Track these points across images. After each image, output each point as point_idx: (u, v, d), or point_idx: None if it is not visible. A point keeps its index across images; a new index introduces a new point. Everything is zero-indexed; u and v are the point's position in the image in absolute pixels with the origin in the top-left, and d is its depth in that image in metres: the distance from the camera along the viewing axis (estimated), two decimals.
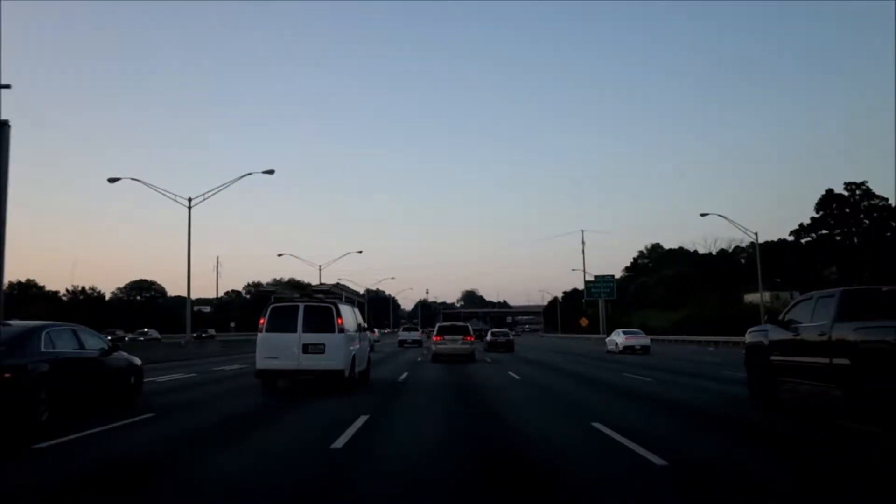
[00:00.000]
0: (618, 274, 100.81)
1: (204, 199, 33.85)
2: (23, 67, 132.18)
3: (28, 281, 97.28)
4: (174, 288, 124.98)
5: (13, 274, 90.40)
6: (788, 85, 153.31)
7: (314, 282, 61.57)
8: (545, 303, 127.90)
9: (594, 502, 4.98)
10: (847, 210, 73.61)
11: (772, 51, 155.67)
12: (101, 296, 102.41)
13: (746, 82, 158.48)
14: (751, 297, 66.88)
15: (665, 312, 79.60)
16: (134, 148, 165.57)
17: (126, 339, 50.79)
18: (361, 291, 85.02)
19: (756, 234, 45.46)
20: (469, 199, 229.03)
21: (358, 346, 14.21)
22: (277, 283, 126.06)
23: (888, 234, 69.78)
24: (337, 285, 63.73)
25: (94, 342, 9.67)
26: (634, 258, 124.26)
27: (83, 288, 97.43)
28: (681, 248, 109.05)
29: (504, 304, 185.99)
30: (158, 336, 60.96)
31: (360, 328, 15.12)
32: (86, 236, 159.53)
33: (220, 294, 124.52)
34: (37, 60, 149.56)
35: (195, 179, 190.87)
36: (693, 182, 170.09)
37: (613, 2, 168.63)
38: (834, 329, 9.05)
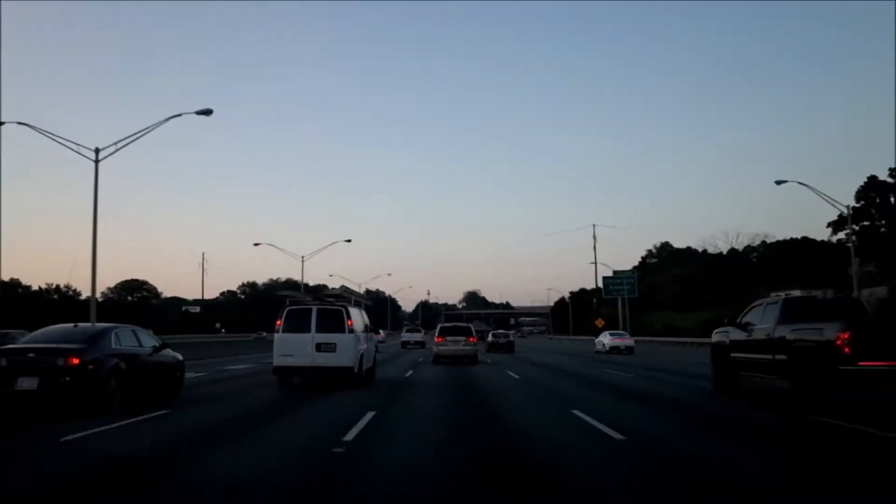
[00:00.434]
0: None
1: (116, 150, 24.42)
2: (22, 67, 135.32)
3: (12, 280, 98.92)
4: (171, 289, 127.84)
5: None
6: (795, 84, 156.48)
7: (311, 279, 64.31)
8: (551, 303, 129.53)
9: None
10: (894, 200, 65.10)
11: (780, 50, 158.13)
12: (76, 294, 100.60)
13: (746, 82, 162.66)
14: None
15: (683, 313, 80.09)
16: (134, 148, 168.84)
17: None
18: (356, 289, 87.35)
19: (849, 206, 39.64)
20: (470, 200, 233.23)
21: (365, 346, 16.29)
22: (273, 282, 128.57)
23: None
24: (346, 290, 67.62)
25: (148, 341, 11.98)
26: (643, 257, 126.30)
27: (57, 286, 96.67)
28: (689, 248, 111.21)
29: (507, 306, 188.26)
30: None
31: (367, 329, 17.30)
32: (70, 234, 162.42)
33: (212, 293, 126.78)
34: (36, 60, 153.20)
35: (194, 181, 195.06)
36: (697, 181, 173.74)
37: (615, 1, 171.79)
38: (776, 330, 11.24)
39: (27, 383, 9.44)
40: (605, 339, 41.01)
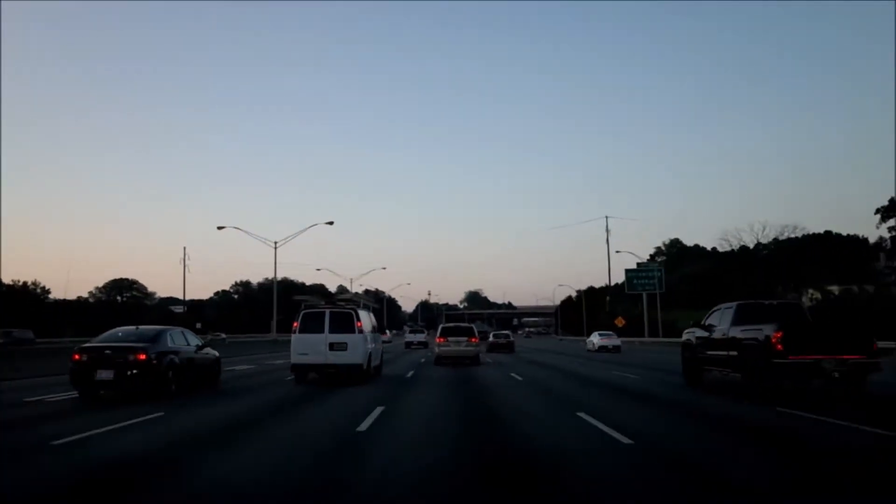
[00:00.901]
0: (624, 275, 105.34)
1: None
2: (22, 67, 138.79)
3: None
4: (169, 289, 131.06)
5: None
6: (802, 82, 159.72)
7: (308, 279, 66.75)
8: (557, 302, 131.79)
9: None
10: None
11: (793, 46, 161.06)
12: (44, 291, 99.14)
13: (747, 82, 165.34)
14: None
15: (702, 311, 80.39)
16: (132, 149, 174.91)
17: None
18: (348, 286, 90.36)
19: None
20: (471, 200, 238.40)
21: (373, 345, 18.98)
22: (269, 282, 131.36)
23: None
24: (356, 294, 71.67)
25: (193, 340, 14.95)
26: (651, 255, 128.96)
27: (24, 283, 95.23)
28: (696, 246, 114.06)
29: (509, 306, 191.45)
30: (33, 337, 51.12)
31: (374, 330, 20.05)
32: (55, 233, 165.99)
33: (210, 293, 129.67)
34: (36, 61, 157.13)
35: (194, 181, 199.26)
36: (703, 180, 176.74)
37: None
38: (730, 331, 14.04)
39: (105, 374, 12.42)
40: (595, 338, 48.77)
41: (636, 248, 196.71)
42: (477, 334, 29.05)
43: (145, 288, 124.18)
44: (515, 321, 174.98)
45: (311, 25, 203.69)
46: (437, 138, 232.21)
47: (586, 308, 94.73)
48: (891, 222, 70.54)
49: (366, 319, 18.65)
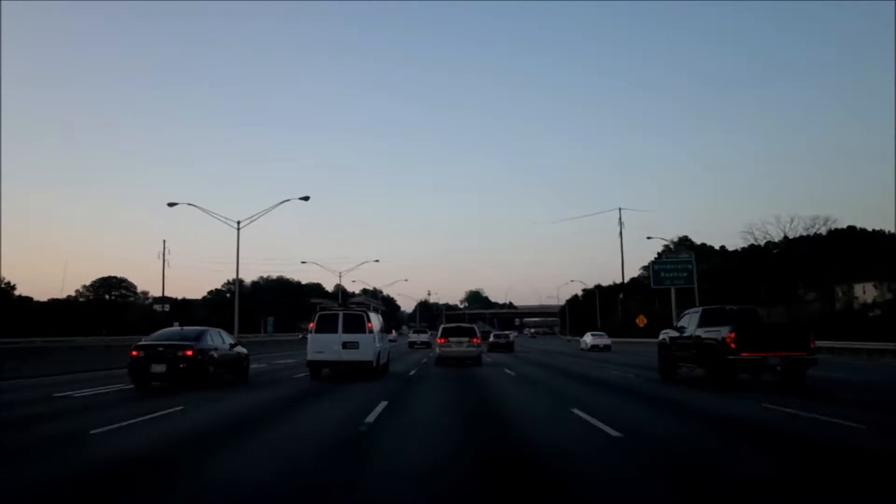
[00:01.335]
0: (635, 272, 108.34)
1: None
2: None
3: None
4: (172, 289, 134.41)
5: None
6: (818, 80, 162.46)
7: (305, 277, 69.31)
8: (563, 301, 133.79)
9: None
10: None
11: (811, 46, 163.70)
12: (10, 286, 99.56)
13: (749, 80, 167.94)
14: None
15: None
16: (134, 149, 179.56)
17: None
18: (338, 281, 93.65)
19: None
20: (471, 200, 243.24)
21: (381, 345, 21.89)
22: (265, 280, 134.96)
23: None
24: (366, 297, 73.34)
25: (227, 339, 18.00)
26: (659, 252, 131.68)
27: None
28: (703, 244, 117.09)
29: (510, 306, 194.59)
30: None
31: (382, 330, 23.01)
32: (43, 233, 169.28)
33: (201, 291, 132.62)
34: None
35: (195, 181, 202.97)
36: (713, 178, 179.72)
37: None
38: (696, 331, 17.08)
39: (158, 368, 15.47)
40: (588, 338, 54.59)
41: (648, 246, 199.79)
42: (479, 335, 30.11)
43: (134, 286, 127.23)
44: (517, 321, 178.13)
45: (311, 25, 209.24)
46: (437, 135, 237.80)
47: (604, 306, 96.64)
48: None
49: (375, 321, 21.45)
